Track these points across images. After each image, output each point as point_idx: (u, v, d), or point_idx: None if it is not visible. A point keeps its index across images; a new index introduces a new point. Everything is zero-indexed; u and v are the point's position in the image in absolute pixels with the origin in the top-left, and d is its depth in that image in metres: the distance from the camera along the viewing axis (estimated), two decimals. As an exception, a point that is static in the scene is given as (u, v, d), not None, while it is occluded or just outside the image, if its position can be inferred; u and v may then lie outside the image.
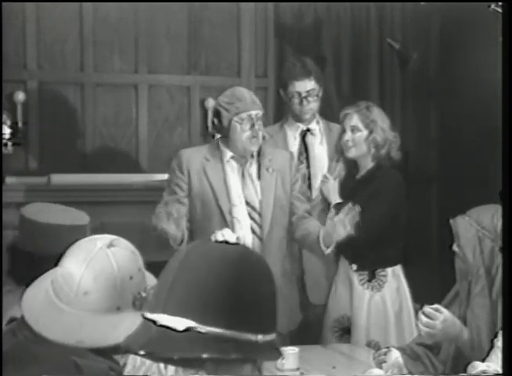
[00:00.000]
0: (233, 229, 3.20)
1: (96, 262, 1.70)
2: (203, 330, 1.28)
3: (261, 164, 3.32)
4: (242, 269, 1.33)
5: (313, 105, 3.70)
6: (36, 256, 2.22)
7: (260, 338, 1.32)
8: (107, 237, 1.77)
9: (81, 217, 2.42)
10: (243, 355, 1.30)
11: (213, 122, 3.35)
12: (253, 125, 3.21)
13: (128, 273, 1.72)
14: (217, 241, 1.35)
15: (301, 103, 3.67)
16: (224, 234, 1.35)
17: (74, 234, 2.14)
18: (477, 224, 2.54)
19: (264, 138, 3.36)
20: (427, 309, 2.50)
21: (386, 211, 3.50)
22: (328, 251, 3.24)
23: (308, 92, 3.67)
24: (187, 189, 3.30)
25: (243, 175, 3.29)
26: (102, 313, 1.69)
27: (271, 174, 3.31)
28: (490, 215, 2.54)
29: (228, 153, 3.29)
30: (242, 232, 3.22)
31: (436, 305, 2.51)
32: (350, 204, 3.15)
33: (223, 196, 3.26)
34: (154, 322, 1.29)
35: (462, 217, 2.58)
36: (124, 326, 1.64)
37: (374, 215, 3.47)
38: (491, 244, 2.51)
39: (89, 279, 1.69)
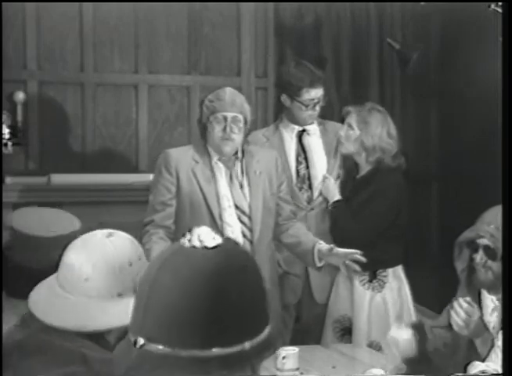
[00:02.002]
0: (224, 234, 3.18)
1: (95, 249, 1.77)
2: (183, 354, 1.21)
3: (249, 166, 3.29)
4: (225, 280, 1.24)
5: (319, 109, 3.71)
6: (25, 268, 2.17)
7: (247, 345, 1.25)
8: (107, 230, 1.84)
9: (70, 223, 2.32)
10: (230, 369, 1.23)
11: (198, 119, 3.35)
12: (225, 127, 3.18)
13: (126, 260, 1.77)
14: (195, 247, 1.26)
15: (313, 108, 3.67)
16: (202, 239, 1.27)
17: (62, 244, 2.13)
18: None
19: (246, 141, 3.33)
20: (465, 304, 2.45)
21: (384, 212, 3.50)
22: (320, 264, 3.28)
23: (319, 97, 3.67)
24: (175, 191, 3.25)
25: (231, 178, 3.26)
26: (103, 299, 1.74)
27: (258, 176, 3.29)
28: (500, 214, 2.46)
29: (215, 155, 3.26)
30: (234, 236, 3.20)
31: (469, 299, 2.47)
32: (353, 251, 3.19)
33: (213, 200, 3.22)
34: (135, 342, 1.24)
35: (489, 227, 2.47)
36: (126, 311, 1.65)
37: (373, 217, 3.47)
38: None
39: (89, 266, 1.74)
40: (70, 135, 4.63)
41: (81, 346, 1.69)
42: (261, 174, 3.30)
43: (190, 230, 1.29)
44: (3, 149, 4.30)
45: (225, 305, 1.22)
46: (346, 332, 3.56)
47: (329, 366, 2.88)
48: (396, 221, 3.54)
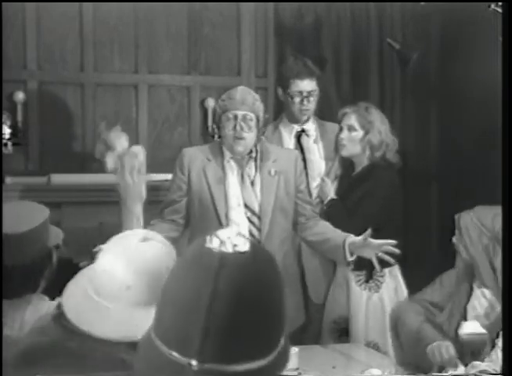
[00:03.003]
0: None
1: (133, 257, 1.73)
2: (239, 369, 1.18)
3: (263, 165, 3.29)
4: (268, 287, 1.23)
5: (312, 105, 3.72)
6: (7, 267, 2.11)
7: (282, 342, 1.26)
8: (140, 232, 1.82)
9: (39, 213, 2.29)
10: (283, 366, 1.26)
11: (213, 119, 3.38)
12: (235, 126, 3.18)
13: (164, 265, 1.72)
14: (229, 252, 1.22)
15: (301, 102, 3.68)
16: (235, 244, 1.22)
17: (38, 236, 2.13)
18: (477, 220, 2.65)
19: (260, 140, 3.32)
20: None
21: (378, 210, 3.50)
22: (351, 258, 3.21)
23: (309, 92, 3.68)
24: (186, 189, 3.30)
25: (242, 177, 3.27)
26: (145, 307, 1.68)
27: (273, 176, 3.28)
28: (492, 215, 2.63)
29: (228, 154, 3.28)
30: None
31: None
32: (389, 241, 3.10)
33: (220, 198, 3.24)
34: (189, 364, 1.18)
35: (467, 212, 2.72)
36: None
37: (365, 215, 3.47)
38: (488, 241, 2.60)
39: (130, 273, 1.70)
40: (70, 135, 4.63)
41: (120, 351, 1.65)
42: (277, 174, 3.29)
43: (215, 233, 1.24)
44: (3, 149, 4.30)
45: (266, 312, 1.22)
46: (343, 333, 3.56)
47: (329, 366, 2.88)
48: (391, 220, 3.54)
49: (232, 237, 1.23)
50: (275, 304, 1.24)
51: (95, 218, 4.29)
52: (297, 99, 3.68)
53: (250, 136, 3.21)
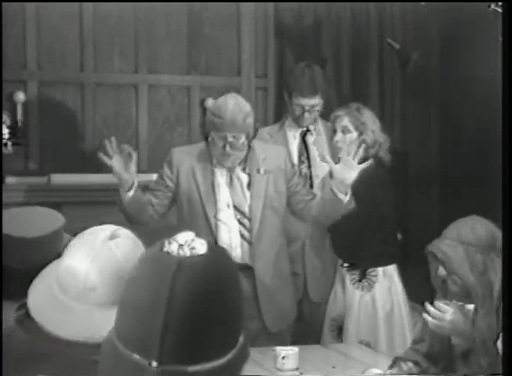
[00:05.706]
0: (219, 232, 3.22)
1: (100, 255, 1.66)
2: (190, 370, 1.20)
3: (253, 165, 3.28)
4: (224, 286, 1.25)
5: (314, 115, 3.70)
6: (11, 269, 2.08)
7: (241, 340, 1.28)
8: (108, 228, 1.73)
9: (54, 220, 2.29)
10: (238, 371, 1.27)
11: (200, 125, 3.34)
12: (224, 146, 3.15)
13: (132, 264, 1.60)
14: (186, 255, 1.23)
15: (302, 115, 3.68)
16: (193, 247, 1.24)
17: (49, 243, 2.12)
18: (460, 243, 2.44)
19: (250, 147, 3.29)
20: (437, 302, 2.45)
21: (365, 208, 3.47)
22: (347, 198, 3.18)
23: (311, 106, 3.67)
24: (173, 188, 3.30)
25: (231, 179, 3.27)
26: (110, 306, 1.60)
27: (262, 175, 3.28)
28: (469, 229, 2.46)
29: (216, 160, 3.28)
30: (230, 235, 3.22)
31: (446, 301, 2.47)
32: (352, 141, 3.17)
33: (209, 199, 3.24)
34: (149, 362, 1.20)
35: (442, 242, 2.49)
36: None
37: (357, 213, 3.45)
38: (482, 257, 2.42)
39: (95, 273, 1.64)
40: (70, 135, 4.63)
41: (93, 353, 1.59)
42: (267, 172, 3.28)
43: (174, 237, 1.26)
44: (3, 149, 4.30)
45: (223, 311, 1.24)
46: (341, 331, 3.57)
47: (329, 366, 2.89)
48: (382, 219, 3.53)
49: (189, 241, 1.25)
50: (232, 303, 1.25)
51: (95, 218, 4.26)
52: (298, 112, 3.68)
53: (239, 153, 3.19)
